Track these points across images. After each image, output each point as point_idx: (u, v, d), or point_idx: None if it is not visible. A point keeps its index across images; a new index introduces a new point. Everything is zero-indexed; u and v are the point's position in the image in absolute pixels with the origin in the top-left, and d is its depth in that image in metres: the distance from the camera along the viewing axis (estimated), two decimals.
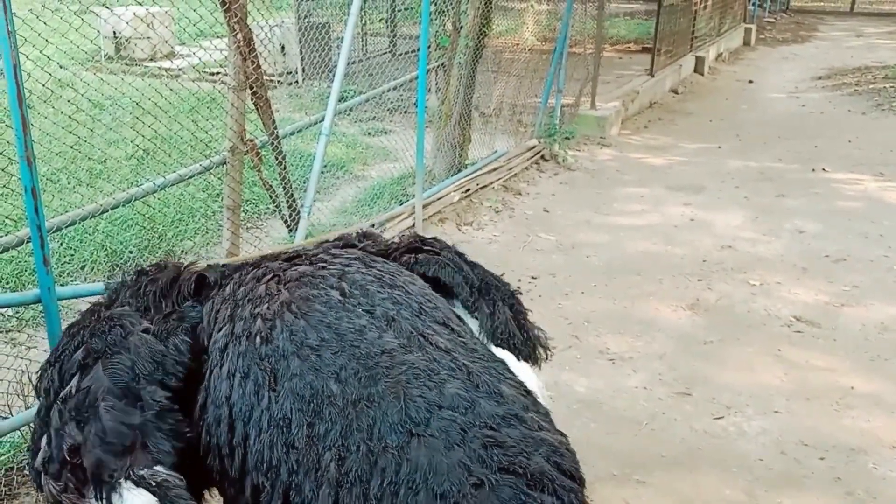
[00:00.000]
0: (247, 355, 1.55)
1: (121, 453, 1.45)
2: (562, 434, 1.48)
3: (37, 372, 1.75)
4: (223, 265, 1.96)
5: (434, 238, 2.16)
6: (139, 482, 1.45)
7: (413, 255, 2.04)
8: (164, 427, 1.51)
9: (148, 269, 1.93)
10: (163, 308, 1.77)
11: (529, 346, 2.05)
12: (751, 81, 11.76)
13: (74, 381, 1.56)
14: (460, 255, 2.09)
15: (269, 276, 1.74)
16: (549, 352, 2.12)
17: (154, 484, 1.45)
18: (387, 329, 1.56)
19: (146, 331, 1.64)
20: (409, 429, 1.35)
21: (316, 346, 1.51)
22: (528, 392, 1.56)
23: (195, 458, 1.56)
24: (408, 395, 1.39)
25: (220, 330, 1.65)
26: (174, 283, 1.82)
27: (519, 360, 1.97)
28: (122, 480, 1.45)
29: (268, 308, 1.62)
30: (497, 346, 1.94)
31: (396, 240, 2.16)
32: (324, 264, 1.78)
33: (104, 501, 1.46)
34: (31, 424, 1.73)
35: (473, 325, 1.96)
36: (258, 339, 1.56)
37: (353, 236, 2.16)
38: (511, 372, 1.60)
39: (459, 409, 1.38)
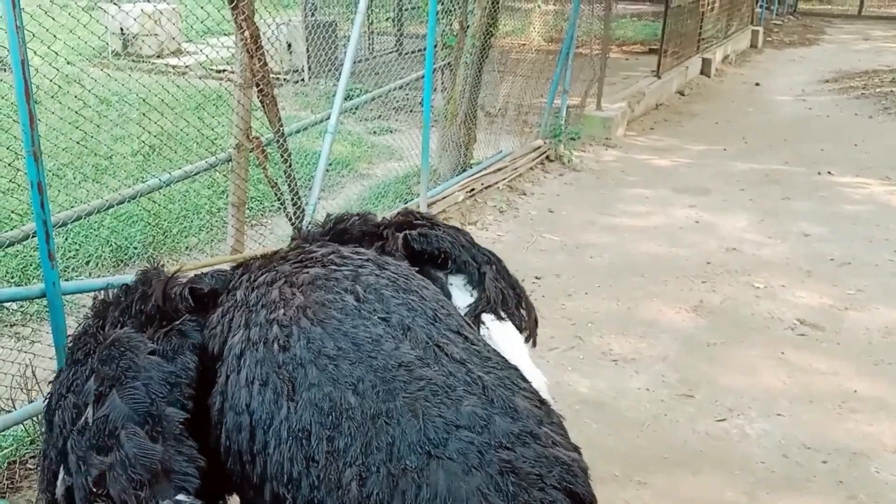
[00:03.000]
0: (265, 363, 1.54)
1: (147, 482, 1.43)
2: (575, 449, 1.48)
3: (44, 399, 1.72)
4: (214, 273, 1.92)
5: (425, 213, 2.17)
6: None
7: (408, 232, 2.04)
8: (185, 451, 1.48)
9: (134, 285, 1.87)
10: (160, 324, 1.73)
11: (531, 318, 2.08)
12: (757, 84, 11.72)
13: (90, 411, 1.52)
14: (454, 228, 2.12)
15: (281, 280, 1.72)
16: (537, 325, 2.15)
17: None
18: (403, 339, 1.55)
19: (153, 352, 1.62)
20: (427, 450, 1.34)
21: (333, 355, 1.50)
22: (543, 402, 1.56)
23: (216, 464, 1.55)
24: (426, 413, 1.39)
25: (234, 335, 1.63)
26: (166, 298, 1.78)
27: (522, 333, 1.98)
28: None
29: (283, 313, 1.60)
30: (502, 315, 1.95)
31: (388, 218, 2.16)
32: (336, 266, 1.76)
33: None
34: (41, 459, 1.69)
35: (464, 298, 1.96)
36: (276, 346, 1.55)
37: (344, 218, 2.15)
38: (525, 380, 1.60)
39: (476, 429, 1.38)
